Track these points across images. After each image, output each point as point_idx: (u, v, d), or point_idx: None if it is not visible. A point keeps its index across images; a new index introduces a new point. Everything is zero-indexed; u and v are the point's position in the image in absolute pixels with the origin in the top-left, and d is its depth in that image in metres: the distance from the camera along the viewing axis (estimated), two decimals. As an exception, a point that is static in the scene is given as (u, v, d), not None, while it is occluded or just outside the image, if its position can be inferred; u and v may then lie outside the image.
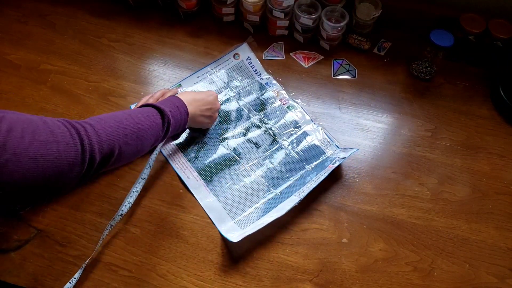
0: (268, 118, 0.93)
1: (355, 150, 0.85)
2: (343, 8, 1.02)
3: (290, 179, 0.85)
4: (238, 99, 0.96)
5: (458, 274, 0.77)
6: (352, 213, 0.82)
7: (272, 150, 0.89)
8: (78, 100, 0.95)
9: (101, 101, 0.95)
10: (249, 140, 0.90)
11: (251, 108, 0.95)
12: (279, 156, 0.88)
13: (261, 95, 0.97)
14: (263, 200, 0.83)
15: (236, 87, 0.98)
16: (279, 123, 0.93)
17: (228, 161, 0.88)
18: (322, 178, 0.81)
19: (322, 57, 1.05)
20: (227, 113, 0.94)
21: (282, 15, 1.02)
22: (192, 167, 0.86)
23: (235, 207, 0.82)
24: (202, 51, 1.04)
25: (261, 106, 0.95)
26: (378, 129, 0.94)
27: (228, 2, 1.04)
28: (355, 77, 1.02)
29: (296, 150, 0.89)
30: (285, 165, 0.87)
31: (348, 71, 1.03)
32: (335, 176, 0.86)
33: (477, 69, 1.04)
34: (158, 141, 0.76)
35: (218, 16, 1.08)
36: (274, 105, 0.95)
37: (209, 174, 0.86)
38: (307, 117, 0.94)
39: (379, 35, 1.08)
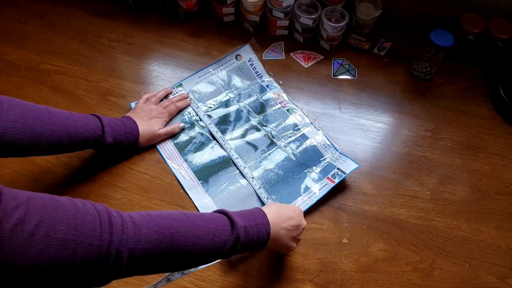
0: (267, 121, 0.93)
1: (357, 166, 0.83)
2: (343, 8, 1.02)
3: (287, 182, 0.85)
4: (238, 101, 0.96)
5: (458, 274, 0.77)
6: (352, 213, 0.82)
7: (269, 152, 0.89)
8: (78, 100, 0.95)
9: (101, 101, 0.95)
10: (247, 142, 0.90)
11: (251, 109, 0.94)
12: (277, 158, 0.88)
13: (261, 97, 0.97)
14: (259, 203, 0.82)
15: (237, 88, 0.98)
16: (278, 126, 0.92)
17: (225, 162, 0.87)
18: (322, 194, 0.81)
19: (322, 57, 1.05)
20: (226, 114, 0.94)
21: (282, 15, 1.02)
22: (188, 167, 0.86)
23: (230, 209, 0.81)
24: (202, 51, 1.04)
25: (261, 108, 0.95)
26: (378, 129, 0.94)
27: (228, 2, 1.04)
28: (355, 77, 1.02)
29: (294, 153, 0.88)
30: (283, 167, 0.87)
31: (348, 71, 1.03)
32: (335, 176, 0.86)
33: (477, 69, 1.04)
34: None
35: (218, 16, 1.08)
36: (274, 107, 0.95)
37: (205, 175, 0.85)
38: (307, 120, 0.93)
39: (379, 35, 1.08)
